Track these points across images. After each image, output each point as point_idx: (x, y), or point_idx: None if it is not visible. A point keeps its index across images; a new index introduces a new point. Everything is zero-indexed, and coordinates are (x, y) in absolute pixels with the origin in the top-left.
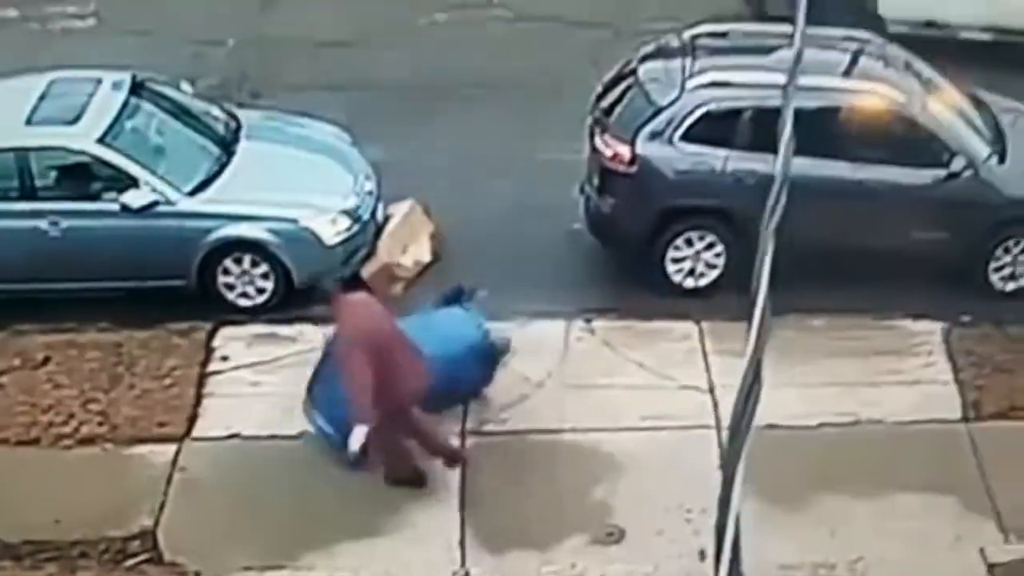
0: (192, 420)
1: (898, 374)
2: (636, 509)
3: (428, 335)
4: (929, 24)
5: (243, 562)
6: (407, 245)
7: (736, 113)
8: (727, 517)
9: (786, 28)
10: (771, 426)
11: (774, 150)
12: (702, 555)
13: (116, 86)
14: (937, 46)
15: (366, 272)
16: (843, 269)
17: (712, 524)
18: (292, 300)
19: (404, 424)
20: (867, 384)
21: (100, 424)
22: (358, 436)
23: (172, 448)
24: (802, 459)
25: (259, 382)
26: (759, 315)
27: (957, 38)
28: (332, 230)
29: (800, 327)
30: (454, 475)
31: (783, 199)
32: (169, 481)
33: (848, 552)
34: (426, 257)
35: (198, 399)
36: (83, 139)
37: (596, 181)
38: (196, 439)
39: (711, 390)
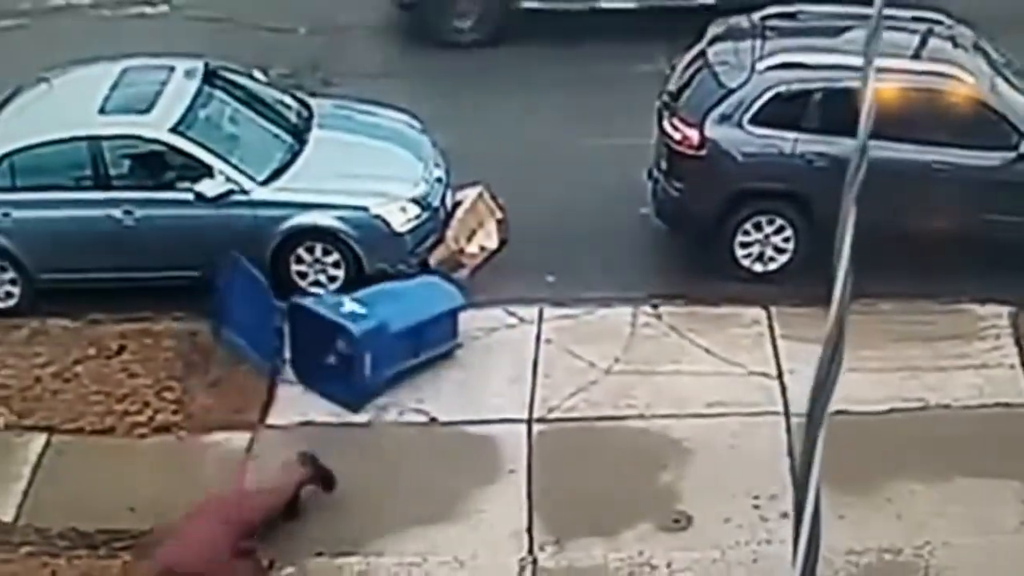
0: (266, 408)
1: (965, 358)
2: (703, 496)
3: (397, 303)
4: None
5: (315, 549)
6: (474, 231)
7: (806, 95)
8: (805, 497)
9: (856, 9)
10: (840, 412)
11: (844, 132)
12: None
13: (189, 74)
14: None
15: (433, 259)
16: (910, 253)
17: (779, 511)
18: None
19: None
20: (934, 369)
21: (175, 412)
22: None
23: (246, 436)
24: (870, 444)
25: None
26: (841, 283)
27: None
28: (402, 218)
29: (868, 312)
30: (521, 463)
31: (864, 166)
32: (245, 467)
33: (914, 537)
34: (493, 243)
35: (272, 387)
36: (157, 128)
37: (664, 165)
38: (269, 426)
39: (779, 376)
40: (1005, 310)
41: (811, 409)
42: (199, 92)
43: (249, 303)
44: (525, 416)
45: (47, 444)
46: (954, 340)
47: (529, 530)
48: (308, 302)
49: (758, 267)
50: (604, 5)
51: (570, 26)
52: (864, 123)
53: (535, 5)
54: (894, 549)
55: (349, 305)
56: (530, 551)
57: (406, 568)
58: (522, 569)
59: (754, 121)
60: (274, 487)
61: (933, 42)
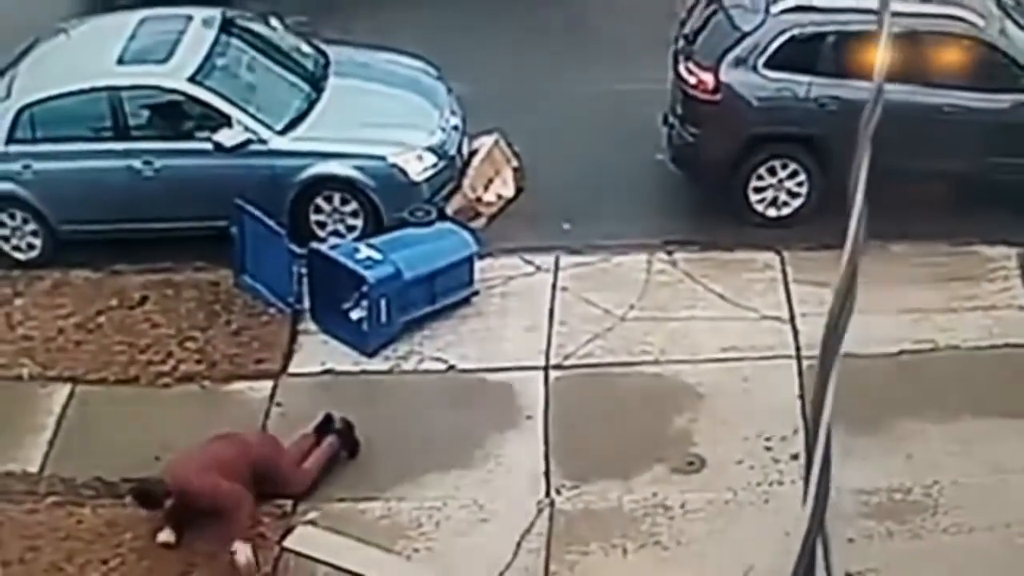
0: (288, 357)
1: (974, 300)
2: (716, 438)
3: (413, 250)
4: None
5: (338, 494)
6: (491, 179)
7: (820, 38)
8: (816, 439)
9: None
10: (849, 354)
11: (858, 76)
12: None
13: (206, 23)
14: None
15: (450, 208)
16: (920, 195)
17: (790, 453)
18: None
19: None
20: (944, 310)
21: (198, 362)
22: (244, 551)
23: (269, 384)
24: (880, 385)
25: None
26: (855, 225)
27: None
28: (419, 166)
29: (877, 254)
30: (538, 409)
31: (879, 107)
32: (267, 416)
33: (923, 476)
34: (509, 191)
35: (293, 336)
36: (175, 78)
37: (679, 110)
38: (292, 375)
39: (792, 320)
40: (1014, 251)
41: (823, 352)
42: (216, 41)
43: (265, 249)
44: (542, 363)
45: (71, 394)
46: (963, 281)
47: (546, 474)
48: (325, 248)
49: (772, 212)
50: None
51: None
52: (880, 63)
53: None
54: (904, 488)
55: (365, 251)
56: (547, 494)
57: (427, 512)
58: (540, 511)
59: (768, 64)
60: (300, 457)
61: None
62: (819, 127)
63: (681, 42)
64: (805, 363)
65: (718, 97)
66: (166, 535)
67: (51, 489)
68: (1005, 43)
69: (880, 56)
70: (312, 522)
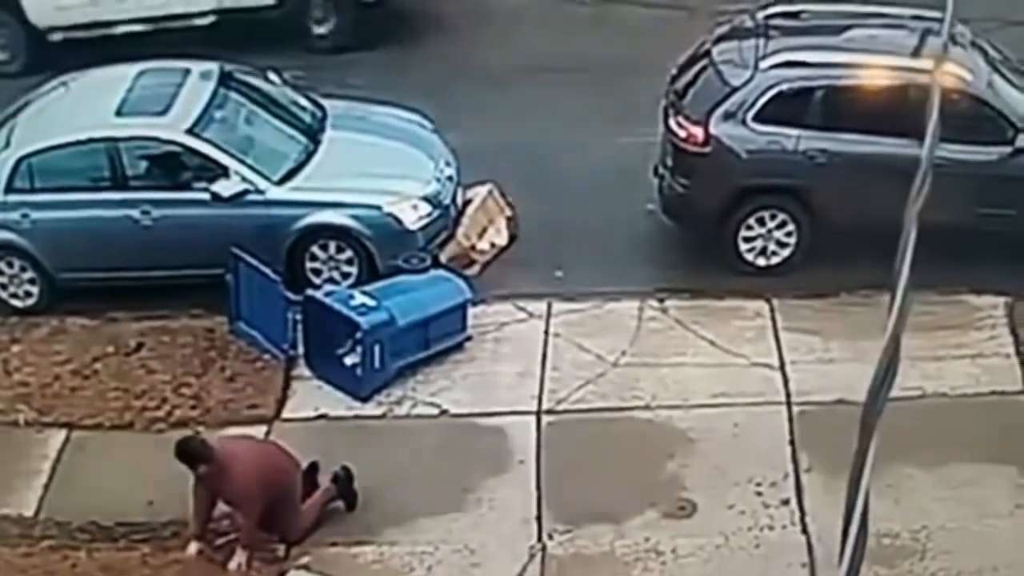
0: (282, 402)
1: (962, 348)
2: (707, 484)
3: (407, 296)
4: (90, 26)
5: (330, 539)
6: (485, 228)
7: (808, 92)
8: (856, 498)
9: (856, 8)
10: (839, 401)
11: (845, 129)
12: None
13: (204, 76)
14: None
15: (445, 255)
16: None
17: (780, 498)
18: None
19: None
20: (932, 358)
21: (193, 407)
22: (240, 558)
23: (263, 429)
24: None
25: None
26: (901, 294)
27: (117, 34)
28: (414, 215)
29: (867, 303)
30: (531, 453)
31: (928, 182)
32: None
33: (912, 521)
34: (503, 240)
35: (287, 381)
36: (173, 129)
37: (670, 162)
38: (286, 420)
39: (781, 367)
40: (1001, 300)
41: (862, 425)
42: (215, 94)
43: (260, 296)
44: (534, 408)
45: (67, 440)
46: (952, 330)
47: (539, 518)
48: (320, 295)
49: (761, 261)
50: None
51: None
52: (929, 143)
53: None
54: (892, 533)
55: (360, 298)
56: (539, 539)
57: (419, 556)
58: (532, 556)
59: (757, 118)
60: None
61: (932, 41)
62: (807, 179)
63: (671, 96)
64: (795, 409)
65: (708, 150)
66: (193, 548)
67: (46, 533)
68: (993, 97)
69: (928, 141)
70: (305, 567)
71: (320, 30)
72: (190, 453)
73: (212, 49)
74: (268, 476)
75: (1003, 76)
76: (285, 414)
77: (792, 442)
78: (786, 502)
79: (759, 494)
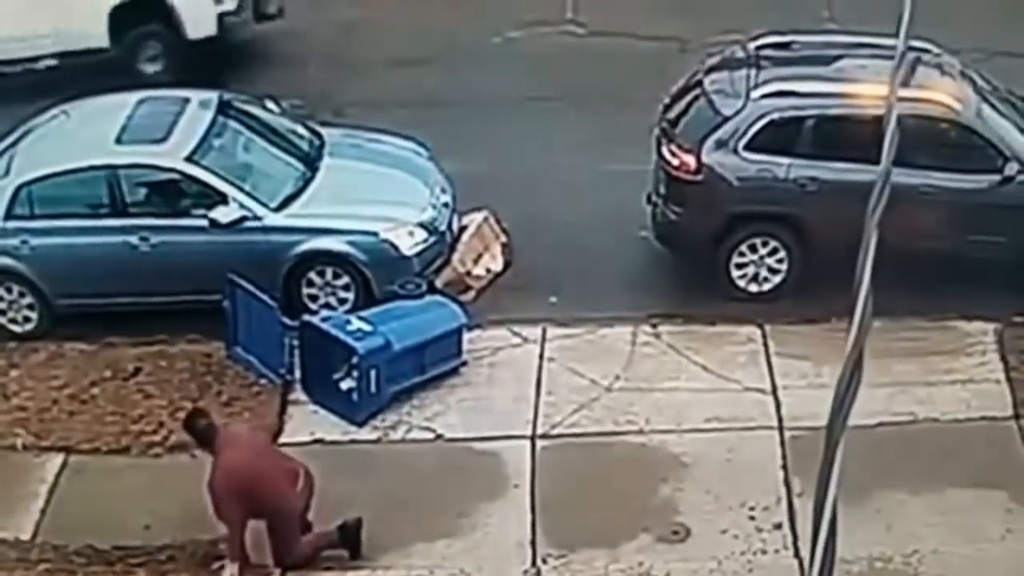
0: (278, 427)
1: (952, 373)
2: (700, 508)
3: (403, 322)
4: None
5: (325, 563)
6: (480, 254)
7: (798, 121)
8: (821, 520)
9: (846, 38)
10: None
11: (836, 157)
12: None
13: (203, 105)
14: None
15: (440, 281)
16: (899, 272)
17: (773, 522)
18: None
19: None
20: (923, 384)
21: None
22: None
23: None
24: (861, 457)
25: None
26: (861, 307)
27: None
28: (410, 242)
29: None
30: (526, 478)
31: (886, 192)
32: None
33: (903, 546)
34: (498, 266)
35: (283, 406)
36: (172, 157)
37: (663, 190)
38: (282, 445)
39: (774, 392)
40: (991, 327)
41: (829, 430)
42: (213, 122)
43: (257, 321)
44: (529, 432)
45: (64, 464)
46: (942, 356)
47: (533, 543)
48: (316, 320)
49: (753, 287)
50: None
51: None
52: (887, 152)
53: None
54: (884, 558)
55: (356, 323)
56: (534, 563)
57: None
58: None
59: (749, 147)
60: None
61: (921, 70)
62: (798, 206)
63: (664, 125)
64: (787, 434)
65: (700, 178)
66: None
67: (43, 557)
68: (981, 126)
69: (886, 149)
70: None
71: (151, 69)
72: (190, 430)
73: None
74: (253, 482)
75: (992, 105)
76: (281, 439)
77: (784, 466)
78: (779, 526)
79: (752, 518)
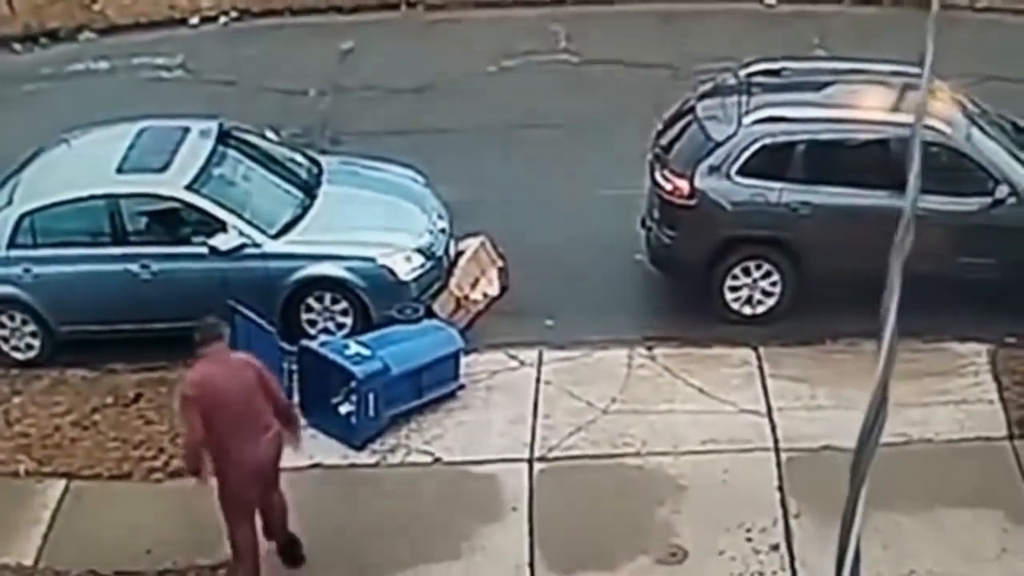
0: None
1: (946, 394)
2: (697, 529)
3: (400, 346)
4: None
5: None
6: (476, 279)
7: (790, 147)
8: (848, 541)
9: (836, 64)
10: (826, 447)
11: (827, 182)
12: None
13: (204, 134)
14: None
15: (437, 306)
16: None
17: (770, 543)
18: None
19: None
20: (917, 404)
21: None
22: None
23: None
24: None
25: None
26: (888, 339)
27: None
28: (407, 267)
29: (852, 350)
30: (523, 500)
31: (911, 232)
32: None
33: (899, 566)
34: (494, 290)
35: None
36: (172, 186)
37: (657, 214)
38: (280, 469)
39: (769, 413)
40: (984, 348)
41: (853, 468)
42: (213, 151)
43: (256, 346)
44: (526, 455)
45: (66, 490)
46: (936, 377)
47: (531, 565)
48: (315, 345)
49: (747, 310)
50: None
51: None
52: (911, 189)
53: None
54: None
55: (354, 348)
56: None
57: None
58: None
59: (741, 172)
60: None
61: (912, 95)
62: (791, 230)
63: (657, 151)
64: (783, 455)
65: (693, 202)
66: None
67: None
68: (971, 149)
69: (910, 187)
70: None
71: None
72: (198, 331)
73: None
74: (218, 401)
75: (982, 129)
76: (281, 463)
77: (781, 488)
78: (776, 547)
79: (749, 540)
